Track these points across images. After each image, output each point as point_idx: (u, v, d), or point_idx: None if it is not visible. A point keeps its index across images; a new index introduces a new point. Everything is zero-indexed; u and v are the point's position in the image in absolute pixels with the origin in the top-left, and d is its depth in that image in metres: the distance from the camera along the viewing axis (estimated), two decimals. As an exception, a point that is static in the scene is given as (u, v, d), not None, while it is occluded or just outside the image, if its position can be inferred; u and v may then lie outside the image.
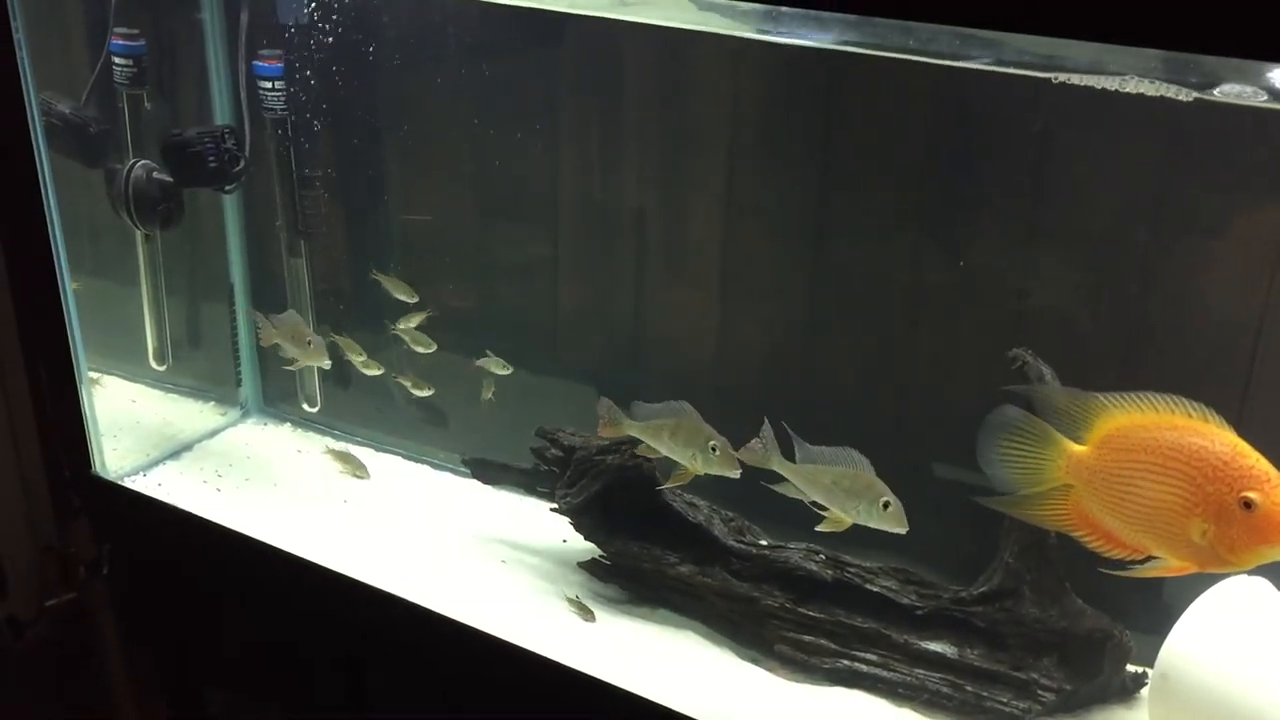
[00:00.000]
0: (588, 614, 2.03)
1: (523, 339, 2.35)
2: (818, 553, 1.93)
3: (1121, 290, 1.85)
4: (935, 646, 1.82)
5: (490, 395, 2.31)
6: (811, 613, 1.89)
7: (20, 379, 2.85)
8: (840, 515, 1.66)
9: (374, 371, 2.38)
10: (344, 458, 2.48)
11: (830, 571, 1.90)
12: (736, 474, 1.76)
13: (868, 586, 1.88)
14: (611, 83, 2.14)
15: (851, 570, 1.91)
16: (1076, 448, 1.44)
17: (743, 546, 1.97)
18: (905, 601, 1.86)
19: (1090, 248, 1.85)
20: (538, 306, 2.36)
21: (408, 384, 2.38)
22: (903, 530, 1.65)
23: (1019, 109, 1.77)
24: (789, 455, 1.74)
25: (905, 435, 2.07)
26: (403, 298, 2.33)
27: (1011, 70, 1.58)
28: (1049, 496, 1.48)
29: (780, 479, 1.74)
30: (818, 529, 1.70)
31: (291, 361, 2.32)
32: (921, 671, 1.81)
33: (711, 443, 1.75)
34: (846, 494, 1.65)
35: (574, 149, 2.22)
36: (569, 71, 2.18)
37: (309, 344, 2.26)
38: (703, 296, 2.18)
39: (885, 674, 1.83)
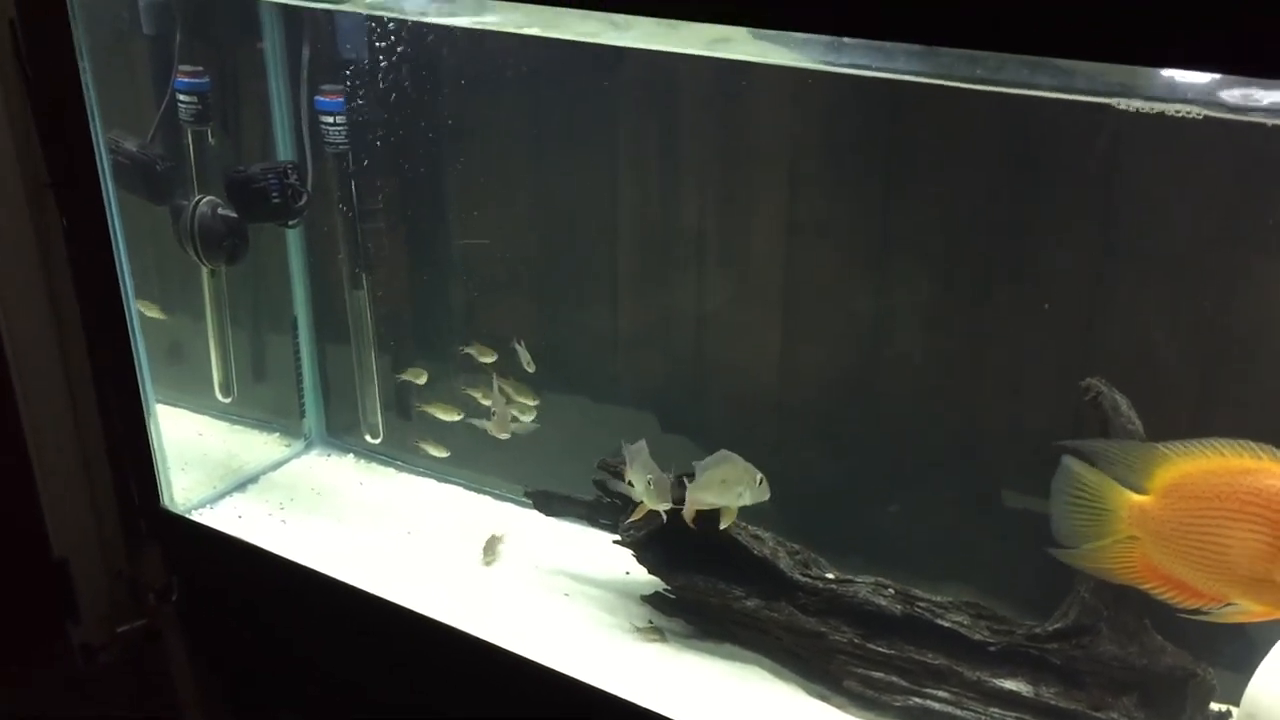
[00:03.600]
0: (657, 634, 2.03)
1: (583, 365, 2.33)
2: (886, 587, 1.89)
3: (1197, 314, 1.80)
4: (1010, 684, 1.77)
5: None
6: (881, 648, 1.85)
7: (92, 409, 2.90)
8: (731, 507, 1.85)
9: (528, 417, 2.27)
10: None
11: (900, 606, 1.86)
12: (666, 507, 1.88)
13: (938, 621, 1.84)
14: (671, 110, 2.13)
15: (921, 605, 1.86)
16: (1139, 498, 1.39)
17: (809, 580, 1.93)
18: (978, 637, 1.81)
19: (1161, 272, 1.80)
20: (598, 333, 2.35)
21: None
22: (766, 497, 1.83)
23: (1087, 134, 1.73)
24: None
25: (974, 462, 2.03)
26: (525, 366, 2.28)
27: (1075, 97, 1.55)
28: (1114, 549, 1.44)
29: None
30: (723, 528, 1.90)
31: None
32: (996, 710, 1.77)
33: (649, 477, 1.88)
34: (733, 484, 1.83)
35: (636, 178, 2.21)
36: (630, 99, 2.17)
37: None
38: (765, 321, 2.16)
39: (958, 712, 1.78)
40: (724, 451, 1.85)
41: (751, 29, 1.46)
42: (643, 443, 1.92)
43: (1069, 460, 1.44)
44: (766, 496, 1.84)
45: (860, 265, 2.05)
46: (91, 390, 2.90)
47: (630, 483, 1.94)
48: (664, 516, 1.90)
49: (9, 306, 2.71)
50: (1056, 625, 1.76)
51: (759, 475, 1.83)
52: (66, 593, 2.98)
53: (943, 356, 2.03)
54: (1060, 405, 1.90)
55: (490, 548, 2.29)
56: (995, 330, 1.97)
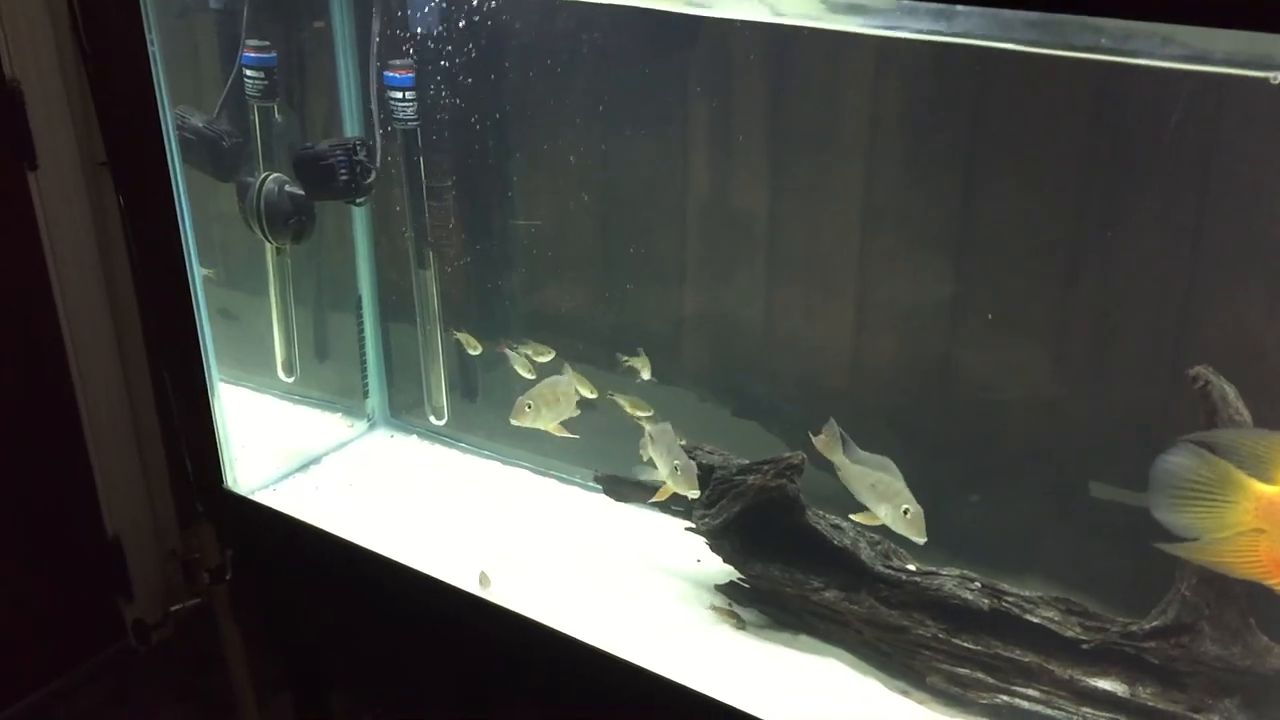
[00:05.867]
0: (734, 616, 1.99)
1: (655, 349, 2.29)
2: (972, 580, 1.83)
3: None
4: (1104, 684, 1.70)
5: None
6: (966, 644, 1.79)
7: (146, 389, 2.90)
8: (874, 514, 1.82)
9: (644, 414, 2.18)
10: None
11: (987, 600, 1.80)
12: (922, 540, 1.77)
13: (1027, 617, 1.77)
14: (746, 86, 2.07)
15: (1009, 599, 1.80)
16: (1268, 489, 1.32)
17: (891, 572, 1.87)
18: (1069, 634, 1.74)
19: (1261, 258, 1.72)
20: (670, 316, 2.30)
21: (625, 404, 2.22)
22: (920, 539, 1.75)
23: (1191, 108, 1.66)
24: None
25: (1062, 453, 1.96)
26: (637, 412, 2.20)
27: (1180, 66, 1.47)
28: (1235, 542, 1.37)
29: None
30: (852, 516, 1.87)
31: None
32: (1089, 710, 1.70)
33: (676, 462, 1.91)
34: (879, 496, 1.79)
35: (707, 154, 2.15)
36: (702, 75, 2.11)
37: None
38: (840, 308, 2.10)
39: (1049, 711, 1.72)
40: (889, 462, 1.79)
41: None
42: (667, 425, 1.93)
43: (1186, 449, 1.37)
44: (916, 539, 1.75)
45: (942, 251, 1.98)
46: (146, 370, 2.90)
47: (651, 462, 1.95)
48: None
49: (66, 285, 2.71)
50: (1155, 623, 1.69)
51: (910, 508, 1.74)
52: (120, 570, 3.00)
53: (1025, 343, 1.96)
54: (1145, 394, 1.83)
55: (483, 581, 2.14)
56: (1085, 317, 1.91)
